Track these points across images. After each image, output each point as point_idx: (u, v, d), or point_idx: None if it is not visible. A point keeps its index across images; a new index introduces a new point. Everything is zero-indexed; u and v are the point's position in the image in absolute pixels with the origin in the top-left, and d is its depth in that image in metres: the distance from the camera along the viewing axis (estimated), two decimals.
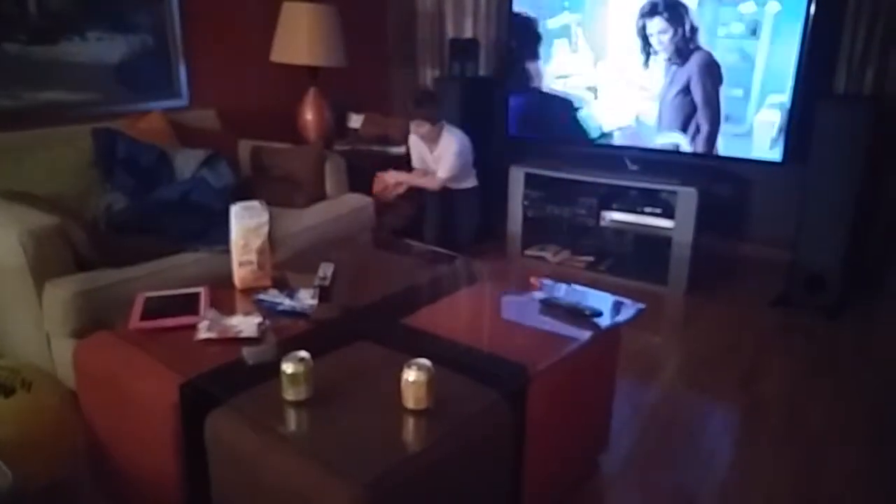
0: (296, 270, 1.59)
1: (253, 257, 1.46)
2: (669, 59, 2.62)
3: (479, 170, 2.85)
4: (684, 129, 2.66)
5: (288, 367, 1.02)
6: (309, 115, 2.76)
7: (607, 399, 1.51)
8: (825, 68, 2.53)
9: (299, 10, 2.57)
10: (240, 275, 1.47)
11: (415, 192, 2.82)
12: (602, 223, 2.76)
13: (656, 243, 2.65)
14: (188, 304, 1.35)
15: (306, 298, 1.40)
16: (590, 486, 1.49)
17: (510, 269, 2.28)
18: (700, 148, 2.65)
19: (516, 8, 2.87)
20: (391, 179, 2.75)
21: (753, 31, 2.45)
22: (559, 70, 2.85)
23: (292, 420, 1.03)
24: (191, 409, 1.08)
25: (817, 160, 2.31)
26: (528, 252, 2.93)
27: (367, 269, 1.81)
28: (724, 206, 2.90)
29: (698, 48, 2.55)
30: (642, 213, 2.66)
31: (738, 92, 2.53)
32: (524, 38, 2.89)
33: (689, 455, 1.60)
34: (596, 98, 2.80)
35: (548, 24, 2.82)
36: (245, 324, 1.25)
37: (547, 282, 1.56)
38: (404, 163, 2.87)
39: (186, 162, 2.13)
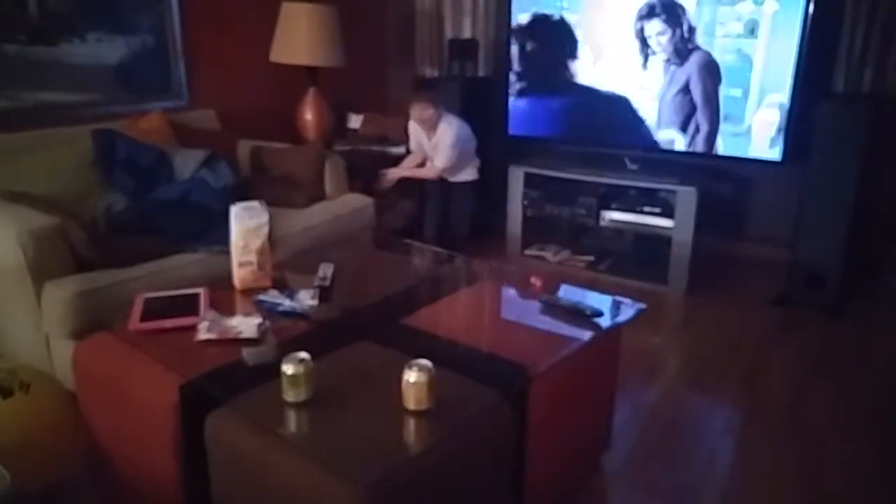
0: (296, 271, 1.59)
1: (253, 258, 1.46)
2: (668, 60, 2.62)
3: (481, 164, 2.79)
4: (684, 128, 2.66)
5: (288, 368, 1.02)
6: (308, 115, 2.76)
7: (608, 399, 1.51)
8: (824, 68, 2.53)
9: (298, 10, 2.57)
10: (239, 275, 1.47)
11: (415, 188, 2.81)
12: (602, 223, 2.75)
13: (656, 243, 2.65)
14: (188, 305, 1.34)
15: (306, 299, 1.39)
16: (591, 485, 1.49)
17: (510, 269, 2.28)
18: (699, 147, 2.65)
19: (515, 7, 2.87)
20: (391, 176, 2.73)
21: (751, 31, 2.45)
22: (559, 69, 2.85)
23: (293, 421, 1.03)
24: (191, 410, 1.07)
25: (817, 159, 2.31)
26: (528, 252, 2.93)
27: (367, 270, 1.80)
28: (723, 206, 2.90)
29: (697, 48, 2.55)
30: (642, 212, 2.66)
31: (737, 92, 2.53)
32: (525, 37, 2.89)
33: (690, 454, 1.60)
34: (595, 96, 2.80)
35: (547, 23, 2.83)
36: (245, 324, 1.24)
37: (547, 281, 1.55)
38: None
39: (186, 162, 2.13)
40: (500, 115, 3.02)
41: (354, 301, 1.51)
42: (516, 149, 3.04)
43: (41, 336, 1.62)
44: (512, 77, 2.94)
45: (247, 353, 1.20)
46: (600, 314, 1.38)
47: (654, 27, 2.60)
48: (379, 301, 1.50)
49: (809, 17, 2.33)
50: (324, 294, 1.43)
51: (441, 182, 2.72)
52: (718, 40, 2.51)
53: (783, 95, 2.44)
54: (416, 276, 1.77)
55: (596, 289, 1.56)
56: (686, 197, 2.52)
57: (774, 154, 2.51)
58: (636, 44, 2.65)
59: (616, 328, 1.43)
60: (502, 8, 3.06)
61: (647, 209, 2.65)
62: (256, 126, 2.64)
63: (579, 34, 2.77)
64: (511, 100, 2.97)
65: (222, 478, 1.06)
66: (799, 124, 2.43)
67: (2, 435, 1.22)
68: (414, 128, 2.71)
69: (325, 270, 1.54)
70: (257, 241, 1.46)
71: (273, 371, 1.04)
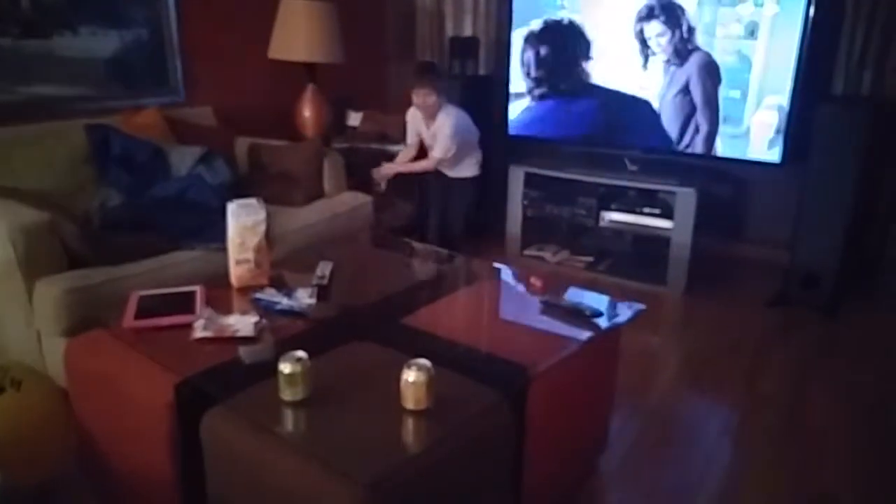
0: (294, 269, 1.58)
1: (250, 255, 1.44)
2: (668, 61, 2.62)
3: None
4: (683, 129, 2.66)
5: (285, 367, 1.00)
6: (307, 113, 2.74)
7: (607, 399, 1.51)
8: (823, 70, 2.54)
9: (297, 6, 2.55)
10: (237, 273, 1.45)
11: (414, 185, 2.78)
12: (601, 223, 2.75)
13: (655, 244, 2.65)
14: (183, 303, 1.33)
15: (304, 297, 1.38)
16: (589, 486, 1.48)
17: (510, 269, 2.27)
18: (699, 148, 2.65)
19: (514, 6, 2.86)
20: (386, 171, 2.66)
21: (751, 33, 2.45)
22: (560, 70, 2.85)
23: (290, 420, 1.01)
24: (187, 408, 1.06)
25: (816, 161, 2.31)
26: (528, 252, 2.92)
27: (365, 268, 1.79)
28: (722, 207, 2.90)
29: (697, 49, 2.55)
30: (641, 213, 2.65)
31: (736, 93, 2.53)
32: (530, 39, 2.88)
33: (688, 455, 1.60)
34: (595, 96, 2.79)
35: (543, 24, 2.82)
36: (242, 323, 1.23)
37: (546, 282, 1.55)
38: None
39: (182, 159, 2.11)
40: (500, 113, 3.01)
41: (353, 300, 1.50)
42: (516, 148, 3.03)
43: (33, 333, 1.60)
44: (513, 76, 2.93)
45: (243, 352, 1.19)
46: (600, 314, 1.37)
47: (654, 28, 2.60)
48: (378, 300, 1.48)
49: (810, 20, 2.34)
50: (322, 293, 1.42)
51: (440, 177, 2.67)
52: (718, 41, 2.51)
53: (782, 97, 2.44)
54: (415, 275, 1.75)
55: (595, 289, 1.55)
56: (685, 198, 2.52)
57: (773, 156, 2.52)
58: (636, 45, 2.65)
59: (615, 328, 1.43)
60: (503, 6, 3.05)
61: (646, 210, 2.64)
62: (255, 123, 2.62)
63: (580, 35, 2.76)
64: (512, 99, 2.96)
65: (218, 477, 1.05)
66: (798, 126, 2.43)
67: None
68: (413, 116, 2.65)
69: (324, 269, 1.52)
70: (255, 239, 1.44)
71: (270, 370, 1.03)
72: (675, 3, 2.54)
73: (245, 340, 1.20)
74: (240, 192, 1.80)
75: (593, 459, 1.52)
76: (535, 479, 1.21)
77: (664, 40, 2.60)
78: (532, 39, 2.86)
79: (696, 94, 2.60)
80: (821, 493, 1.47)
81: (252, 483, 0.98)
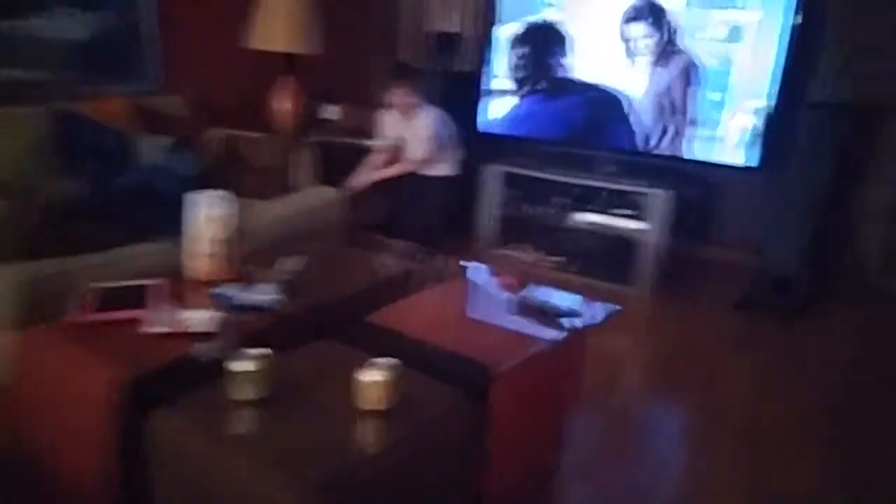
0: (262, 264, 1.54)
1: (217, 249, 1.41)
2: (650, 63, 2.62)
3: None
4: (662, 131, 2.67)
5: (235, 366, 0.97)
6: (283, 105, 2.69)
7: (571, 400, 1.50)
8: (803, 76, 2.57)
9: None
10: (202, 267, 1.42)
11: (390, 183, 2.75)
12: (573, 224, 2.75)
13: (627, 245, 2.65)
14: (142, 297, 1.28)
15: (269, 293, 1.35)
16: (549, 487, 1.47)
17: (480, 268, 2.26)
18: (675, 150, 2.66)
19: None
20: (364, 180, 2.63)
21: (734, 37, 2.47)
22: (540, 69, 2.83)
23: (239, 420, 0.98)
24: (133, 408, 1.02)
25: (794, 165, 2.34)
26: (500, 251, 2.91)
27: (335, 265, 1.76)
28: (696, 209, 2.92)
29: (679, 51, 2.56)
30: (614, 214, 2.66)
31: (716, 96, 2.54)
32: (512, 38, 2.86)
33: (649, 457, 1.60)
34: (577, 95, 2.79)
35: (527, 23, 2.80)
36: (197, 317, 1.19)
37: (517, 281, 1.53)
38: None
39: (151, 149, 2.05)
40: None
41: (320, 297, 1.46)
42: (490, 147, 3.01)
43: None
44: (496, 74, 2.91)
45: (197, 349, 1.15)
46: (569, 314, 1.37)
47: (639, 30, 2.60)
48: (345, 297, 1.46)
49: (796, 27, 2.36)
50: (289, 289, 1.39)
51: (414, 175, 2.64)
52: (700, 44, 2.52)
53: (761, 102, 2.47)
54: (384, 272, 1.73)
55: (566, 289, 1.55)
56: (658, 200, 2.53)
57: (750, 159, 2.54)
58: (621, 45, 2.65)
59: (582, 330, 1.42)
60: (489, 2, 3.03)
61: (618, 211, 2.65)
62: (230, 114, 2.56)
63: (565, 34, 2.75)
64: (496, 97, 2.93)
65: (165, 480, 1.01)
66: (777, 131, 2.46)
67: None
68: (391, 117, 2.62)
69: (293, 264, 1.49)
70: (222, 232, 1.40)
71: (224, 368, 1.00)
72: (659, 6, 2.55)
73: (201, 336, 1.16)
74: (209, 183, 1.74)
75: (555, 461, 1.52)
76: (497, 479, 1.20)
77: (648, 42, 2.60)
78: (518, 37, 2.85)
79: (676, 96, 2.61)
80: (777, 493, 1.48)
81: (199, 485, 0.95)
